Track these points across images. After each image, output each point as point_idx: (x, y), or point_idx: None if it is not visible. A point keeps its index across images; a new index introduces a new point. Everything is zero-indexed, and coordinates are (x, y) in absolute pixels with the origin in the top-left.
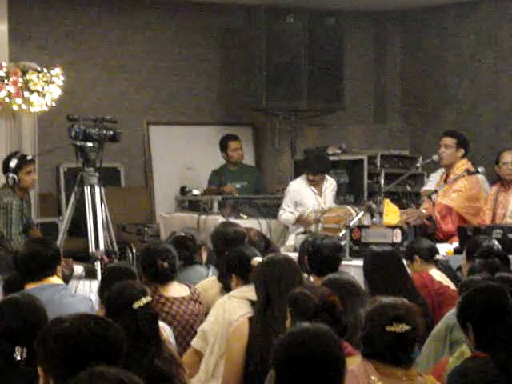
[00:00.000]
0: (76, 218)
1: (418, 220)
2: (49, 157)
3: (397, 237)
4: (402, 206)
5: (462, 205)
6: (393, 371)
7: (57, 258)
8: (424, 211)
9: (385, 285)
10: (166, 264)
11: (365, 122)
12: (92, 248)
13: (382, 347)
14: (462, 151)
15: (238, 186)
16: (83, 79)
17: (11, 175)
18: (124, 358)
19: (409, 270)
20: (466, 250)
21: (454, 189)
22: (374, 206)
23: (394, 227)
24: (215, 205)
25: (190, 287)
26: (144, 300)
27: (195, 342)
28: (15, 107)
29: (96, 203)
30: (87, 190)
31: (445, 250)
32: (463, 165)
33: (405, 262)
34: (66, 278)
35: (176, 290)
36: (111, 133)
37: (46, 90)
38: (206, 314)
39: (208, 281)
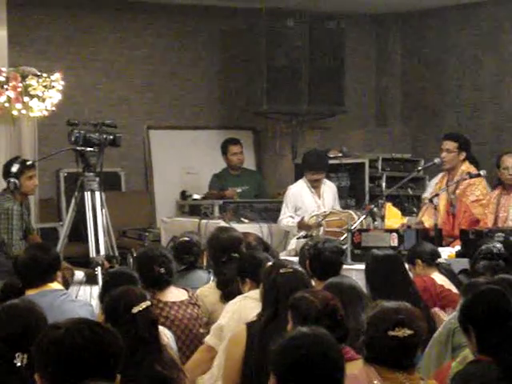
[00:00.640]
0: (76, 223)
1: None
2: (49, 162)
3: (393, 241)
4: (403, 210)
5: (483, 213)
6: (395, 376)
7: (57, 264)
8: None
9: (387, 289)
10: (162, 270)
11: (366, 125)
12: (92, 253)
13: (384, 352)
14: (464, 154)
15: (238, 190)
16: (83, 84)
17: (12, 180)
18: (122, 364)
19: (411, 274)
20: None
21: (472, 199)
22: (375, 209)
23: (391, 231)
24: (216, 209)
25: (187, 291)
26: (143, 305)
27: (209, 339)
28: (15, 112)
29: (96, 208)
30: (87, 195)
31: (447, 253)
32: (468, 168)
33: (407, 265)
34: (67, 284)
35: (174, 294)
36: (111, 137)
37: (46, 94)
38: (208, 321)
39: (208, 287)
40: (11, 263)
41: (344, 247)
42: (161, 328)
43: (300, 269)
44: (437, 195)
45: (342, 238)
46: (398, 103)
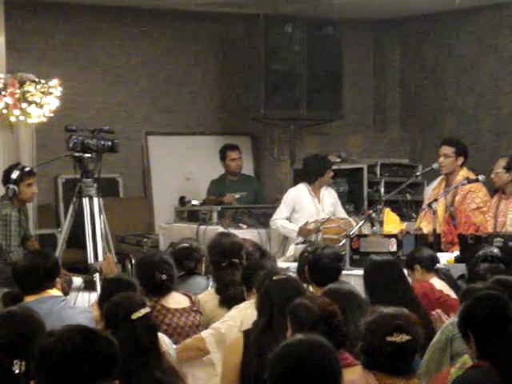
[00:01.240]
0: (74, 229)
1: None
2: (47, 168)
3: (392, 246)
4: (402, 215)
5: (484, 221)
6: (394, 381)
7: (56, 270)
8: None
9: (385, 294)
10: (164, 276)
11: (364, 131)
12: (91, 259)
13: (382, 357)
14: (462, 159)
15: (237, 196)
16: (81, 90)
17: (11, 186)
18: (120, 370)
19: (409, 279)
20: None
21: (473, 207)
22: (374, 215)
23: (389, 236)
24: (215, 215)
25: (190, 297)
26: (143, 311)
27: (207, 337)
28: (13, 118)
29: (94, 214)
30: (86, 201)
31: (446, 258)
32: (466, 173)
33: (405, 271)
34: (65, 290)
35: (176, 300)
36: (109, 143)
37: (44, 101)
38: (206, 327)
39: (207, 293)
40: (9, 270)
41: (343, 253)
42: (160, 335)
43: (293, 275)
44: (435, 200)
45: (340, 244)
46: (396, 108)
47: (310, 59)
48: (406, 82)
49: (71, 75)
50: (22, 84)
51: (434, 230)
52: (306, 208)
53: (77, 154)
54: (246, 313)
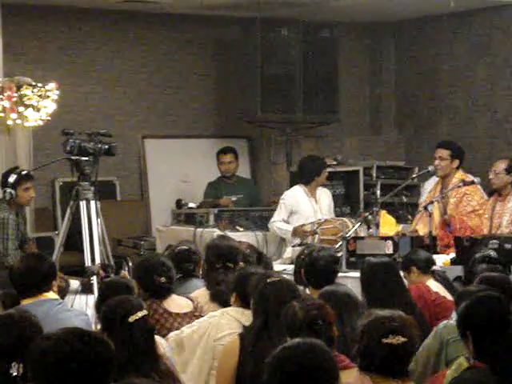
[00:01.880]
0: (72, 232)
1: None
2: (44, 171)
3: (388, 248)
4: (398, 217)
5: (480, 224)
6: (389, 383)
7: (53, 273)
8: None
9: (382, 296)
10: (163, 279)
11: (360, 133)
12: (88, 262)
13: (378, 360)
14: (457, 162)
15: (233, 198)
16: (78, 93)
17: (9, 190)
18: (116, 373)
19: (406, 281)
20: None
21: (469, 210)
22: (370, 217)
23: (385, 238)
24: (211, 217)
25: (193, 301)
26: (139, 314)
27: (171, 337)
28: (10, 122)
29: (92, 217)
30: (83, 204)
31: (441, 260)
32: (461, 176)
33: (401, 273)
34: (62, 293)
35: (177, 304)
36: (106, 147)
37: (41, 104)
38: None
39: (199, 291)
40: (6, 273)
41: (339, 255)
42: (157, 338)
43: (287, 278)
44: (431, 202)
45: (337, 246)
46: (391, 111)
47: (306, 62)
48: (401, 84)
49: (68, 79)
50: (18, 88)
51: (430, 232)
52: (304, 209)
53: (74, 158)
54: (213, 321)
